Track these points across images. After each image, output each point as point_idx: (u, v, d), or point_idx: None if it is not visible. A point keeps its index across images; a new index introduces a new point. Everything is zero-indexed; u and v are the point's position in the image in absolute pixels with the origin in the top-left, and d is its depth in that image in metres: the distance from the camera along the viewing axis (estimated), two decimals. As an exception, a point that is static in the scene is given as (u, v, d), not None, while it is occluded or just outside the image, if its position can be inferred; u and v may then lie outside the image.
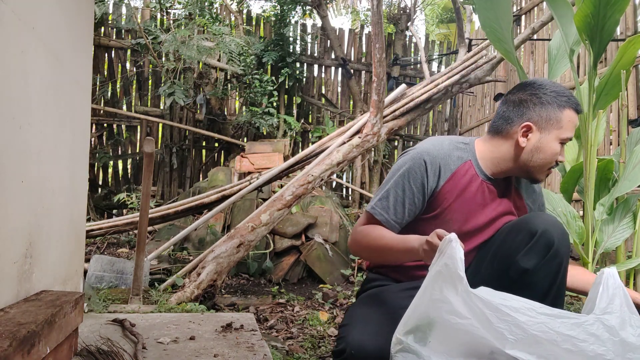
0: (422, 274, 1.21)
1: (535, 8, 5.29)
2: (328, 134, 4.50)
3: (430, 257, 1.20)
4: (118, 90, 5.87)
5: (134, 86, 5.94)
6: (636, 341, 1.09)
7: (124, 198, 4.56)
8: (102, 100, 5.77)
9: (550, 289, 1.35)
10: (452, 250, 1.11)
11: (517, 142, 1.46)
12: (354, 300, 1.53)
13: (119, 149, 5.88)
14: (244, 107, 6.02)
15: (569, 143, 2.36)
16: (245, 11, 6.45)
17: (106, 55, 5.77)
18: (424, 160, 1.45)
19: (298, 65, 6.25)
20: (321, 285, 3.54)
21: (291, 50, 6.21)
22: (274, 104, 5.88)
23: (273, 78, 5.94)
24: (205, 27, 5.26)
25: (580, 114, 1.50)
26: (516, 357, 1.06)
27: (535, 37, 4.43)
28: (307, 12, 6.45)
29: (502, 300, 1.11)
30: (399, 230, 1.47)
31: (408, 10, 6.89)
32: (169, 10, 5.73)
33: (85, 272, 2.56)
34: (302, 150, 5.09)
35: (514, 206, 1.56)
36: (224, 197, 3.56)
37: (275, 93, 5.86)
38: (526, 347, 1.07)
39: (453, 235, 1.14)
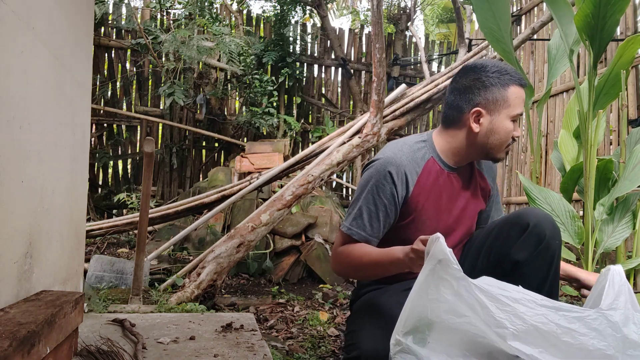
0: (413, 276, 1.21)
1: (535, 8, 5.29)
2: (328, 134, 4.50)
3: (417, 265, 1.21)
4: (118, 90, 5.87)
5: (134, 86, 5.94)
6: (638, 338, 1.10)
7: (124, 198, 4.56)
8: (102, 100, 5.77)
9: (544, 282, 1.37)
10: (441, 247, 1.12)
11: (470, 129, 1.48)
12: (353, 329, 1.52)
13: (119, 149, 5.88)
14: (244, 107, 6.02)
15: (569, 142, 2.36)
16: (245, 11, 6.45)
17: (106, 55, 5.77)
18: (389, 172, 1.44)
19: (298, 65, 6.25)
20: (321, 285, 3.54)
21: (291, 50, 6.21)
22: (274, 104, 5.88)
23: (273, 78, 5.95)
24: (205, 27, 5.26)
25: (526, 87, 1.52)
26: (517, 350, 1.06)
27: (535, 37, 4.43)
28: (308, 12, 6.44)
29: (502, 291, 1.12)
30: (377, 243, 1.47)
31: (408, 10, 6.89)
32: (169, 10, 5.73)
33: (85, 272, 2.57)
34: (302, 150, 5.09)
35: (480, 187, 1.61)
36: (224, 197, 3.56)
37: (275, 93, 5.86)
38: (527, 338, 1.07)
39: (438, 234, 1.15)
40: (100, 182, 5.85)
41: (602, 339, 1.08)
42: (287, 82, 6.08)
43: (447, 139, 1.53)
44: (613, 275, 1.20)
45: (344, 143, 3.26)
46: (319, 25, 6.63)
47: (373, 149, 6.04)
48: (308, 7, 6.33)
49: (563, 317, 1.09)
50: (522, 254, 1.37)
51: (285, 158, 4.74)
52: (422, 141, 1.55)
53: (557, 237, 1.39)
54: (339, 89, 6.71)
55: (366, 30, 6.81)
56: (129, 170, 5.92)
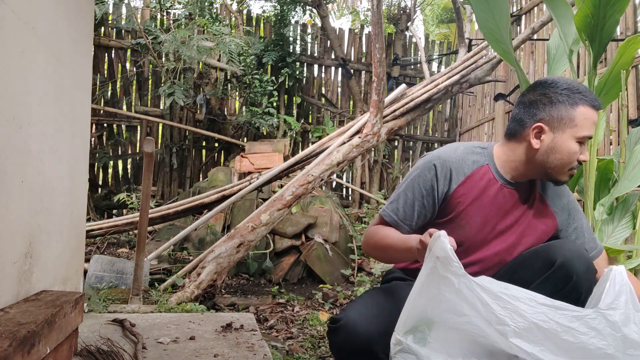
0: None
1: (535, 8, 5.29)
2: (328, 134, 4.50)
3: (422, 256, 1.21)
4: (118, 90, 5.87)
5: (134, 86, 5.94)
6: (638, 338, 1.10)
7: (124, 198, 4.56)
8: (102, 100, 5.77)
9: None
10: (442, 244, 1.12)
11: (530, 144, 1.43)
12: (353, 300, 1.57)
13: (119, 149, 5.88)
14: (244, 107, 6.02)
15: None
16: (245, 11, 6.45)
17: (106, 55, 5.77)
18: (434, 165, 1.46)
19: (298, 65, 6.25)
20: (321, 285, 3.54)
21: (291, 50, 6.21)
22: (274, 104, 5.88)
23: (273, 78, 5.95)
24: (205, 27, 5.26)
25: (600, 110, 1.43)
26: (518, 348, 1.06)
27: (535, 37, 4.43)
28: (308, 12, 6.44)
29: (502, 289, 1.12)
30: (407, 231, 1.48)
31: (408, 10, 6.89)
32: (169, 11, 5.73)
33: (85, 272, 2.56)
34: (302, 150, 5.09)
35: (538, 213, 1.51)
36: (224, 197, 3.56)
37: (275, 93, 5.86)
38: (528, 336, 1.07)
39: (442, 232, 1.15)
40: (100, 182, 5.85)
41: (601, 338, 1.08)
42: (287, 82, 6.08)
43: (507, 152, 1.49)
44: (615, 275, 1.21)
45: (344, 143, 3.26)
46: (319, 25, 6.63)
47: (373, 149, 6.05)
48: (308, 7, 6.33)
49: (563, 315, 1.10)
50: (544, 292, 1.26)
51: (285, 158, 4.74)
52: (481, 147, 1.53)
53: (589, 279, 1.30)
54: (339, 89, 6.71)
55: (366, 30, 6.81)
56: (129, 170, 5.92)
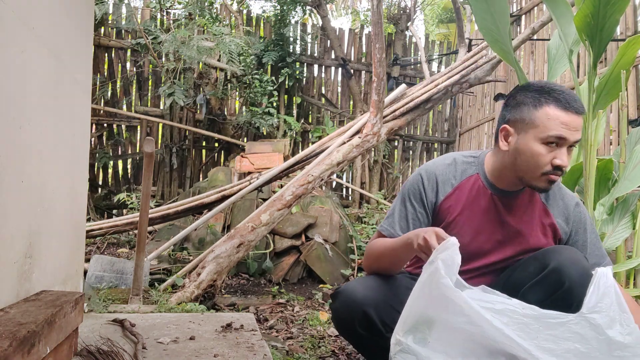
0: None
1: (535, 8, 5.29)
2: (328, 134, 4.50)
3: (423, 253, 1.22)
4: (118, 90, 5.87)
5: (134, 86, 5.94)
6: (624, 339, 1.09)
7: (124, 198, 4.56)
8: (102, 100, 5.77)
9: None
10: (453, 253, 1.12)
11: (499, 147, 1.43)
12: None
13: (119, 149, 5.88)
14: (244, 107, 6.02)
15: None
16: (245, 11, 6.45)
17: (106, 55, 5.77)
18: (420, 176, 1.51)
19: (298, 65, 6.25)
20: (321, 285, 3.54)
21: (291, 50, 6.21)
22: (274, 104, 5.88)
23: (273, 78, 5.94)
24: (205, 27, 5.26)
25: (575, 111, 1.34)
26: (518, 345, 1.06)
27: (535, 37, 4.43)
28: (308, 12, 6.44)
29: (485, 303, 1.11)
30: None
31: (408, 10, 6.89)
32: (169, 11, 5.73)
33: (85, 272, 2.56)
34: (302, 150, 5.08)
35: (539, 224, 1.48)
36: (224, 197, 3.56)
37: (275, 93, 5.86)
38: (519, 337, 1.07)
39: (454, 240, 1.15)
40: (100, 182, 5.85)
41: (585, 342, 1.07)
42: (287, 82, 6.08)
43: (493, 158, 1.48)
44: (599, 277, 1.19)
45: (344, 143, 3.26)
46: (319, 25, 6.63)
47: (373, 149, 6.05)
48: (308, 7, 6.33)
49: (545, 323, 1.09)
50: (534, 296, 1.27)
51: (285, 158, 4.74)
52: (473, 157, 1.53)
53: (582, 285, 1.24)
54: (339, 89, 6.71)
55: (366, 30, 6.81)
56: (129, 170, 5.92)
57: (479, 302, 1.10)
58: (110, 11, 5.79)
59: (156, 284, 2.82)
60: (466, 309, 1.09)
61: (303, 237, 3.82)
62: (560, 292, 1.28)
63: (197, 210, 3.75)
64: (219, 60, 5.67)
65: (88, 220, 4.62)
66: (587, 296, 1.16)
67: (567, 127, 1.32)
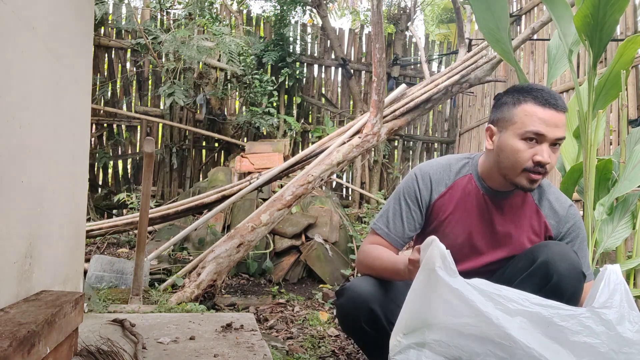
0: None
1: (535, 8, 5.28)
2: (328, 134, 4.50)
3: (414, 275, 1.22)
4: (118, 90, 5.87)
5: (134, 86, 5.94)
6: (633, 336, 1.09)
7: (124, 198, 4.56)
8: (102, 100, 5.77)
9: None
10: (438, 248, 1.13)
11: (486, 146, 1.47)
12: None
13: (119, 149, 5.88)
14: (244, 107, 6.02)
15: (568, 142, 2.35)
16: (245, 11, 6.45)
17: (106, 55, 5.77)
18: (415, 175, 1.54)
19: (298, 65, 6.25)
20: (321, 285, 3.54)
21: (291, 50, 6.21)
22: (274, 104, 5.88)
23: (273, 78, 5.95)
24: (205, 27, 5.26)
25: (554, 107, 1.35)
26: (518, 342, 1.06)
27: (535, 37, 4.43)
28: (308, 12, 6.44)
29: (495, 290, 1.12)
30: (401, 245, 1.52)
31: (408, 10, 6.88)
32: (169, 11, 5.73)
33: (85, 272, 2.57)
34: (302, 150, 5.08)
35: (532, 224, 1.49)
36: (224, 197, 3.56)
37: (275, 93, 5.86)
38: (525, 334, 1.07)
39: (432, 237, 1.16)
40: (100, 182, 5.85)
41: (595, 336, 1.08)
42: (287, 82, 6.08)
43: (485, 159, 1.51)
44: (610, 274, 1.20)
45: (344, 143, 3.26)
46: (319, 25, 6.63)
47: (373, 149, 6.05)
48: (308, 7, 6.33)
49: (556, 314, 1.10)
50: (525, 290, 1.24)
51: (285, 158, 4.74)
52: (467, 158, 1.56)
53: (571, 279, 1.27)
54: (339, 89, 6.71)
55: (366, 30, 6.81)
56: (129, 170, 5.92)
57: (482, 292, 1.11)
58: (110, 11, 5.79)
59: (156, 284, 2.82)
60: (467, 296, 1.09)
61: (303, 237, 3.82)
62: (549, 285, 1.29)
63: (197, 210, 3.76)
64: (219, 60, 5.67)
65: (88, 220, 4.62)
66: (598, 291, 1.17)
67: (545, 123, 1.34)
